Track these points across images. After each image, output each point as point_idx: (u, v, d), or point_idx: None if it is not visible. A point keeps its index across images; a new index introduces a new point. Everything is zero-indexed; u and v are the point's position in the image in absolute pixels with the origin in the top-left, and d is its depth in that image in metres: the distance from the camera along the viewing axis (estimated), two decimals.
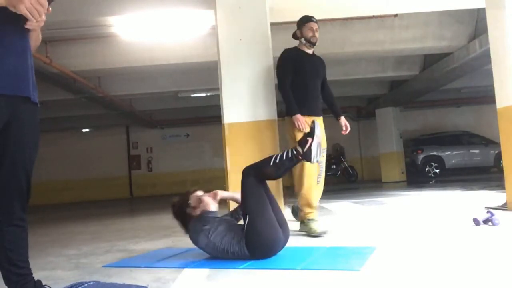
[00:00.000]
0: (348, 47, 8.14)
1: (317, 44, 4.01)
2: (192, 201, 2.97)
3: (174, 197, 3.10)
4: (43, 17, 1.79)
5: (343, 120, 4.08)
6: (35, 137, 1.91)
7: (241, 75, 4.67)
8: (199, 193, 3.02)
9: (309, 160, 2.82)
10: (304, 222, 3.73)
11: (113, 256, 3.36)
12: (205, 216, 2.86)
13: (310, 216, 3.69)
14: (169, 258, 3.07)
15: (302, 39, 3.94)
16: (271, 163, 2.81)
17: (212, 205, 2.94)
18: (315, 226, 3.62)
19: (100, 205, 11.61)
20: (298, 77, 3.81)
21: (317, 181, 3.81)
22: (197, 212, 2.92)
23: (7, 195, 1.83)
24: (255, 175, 2.80)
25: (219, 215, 2.95)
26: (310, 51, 3.97)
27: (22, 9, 1.65)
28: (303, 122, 3.66)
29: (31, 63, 1.88)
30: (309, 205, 3.72)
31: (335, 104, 4.19)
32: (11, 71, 1.76)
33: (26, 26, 1.73)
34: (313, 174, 3.73)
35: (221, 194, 3.09)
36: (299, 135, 3.51)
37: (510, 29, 4.42)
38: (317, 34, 3.96)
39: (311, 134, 2.84)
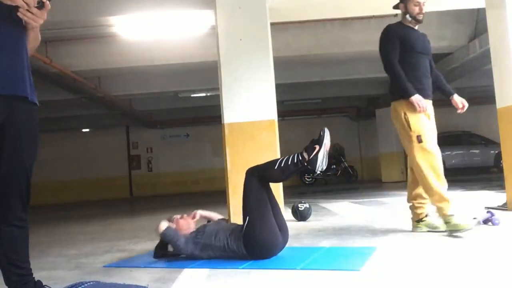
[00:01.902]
0: (348, 47, 8.14)
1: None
2: (173, 226, 3.02)
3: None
4: (44, 15, 1.79)
5: (457, 98, 3.53)
6: (34, 137, 1.90)
7: (241, 75, 4.66)
8: (164, 224, 2.99)
9: (313, 168, 2.73)
10: (448, 222, 3.14)
11: (113, 256, 3.36)
12: (194, 234, 2.90)
13: (451, 212, 3.14)
14: (169, 258, 3.07)
15: (407, 16, 3.49)
16: (276, 166, 2.77)
17: (191, 226, 3.01)
18: (462, 220, 3.08)
19: (100, 205, 11.61)
20: (407, 54, 3.40)
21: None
22: (182, 233, 2.96)
23: (6, 195, 1.83)
24: (259, 177, 2.79)
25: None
26: (415, 27, 3.53)
27: (17, 0, 1.65)
28: (423, 101, 3.23)
29: (28, 63, 1.87)
30: (443, 198, 3.19)
31: (445, 83, 3.65)
32: (6, 71, 1.75)
33: (18, 14, 1.72)
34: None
35: (201, 213, 3.18)
36: (413, 119, 3.23)
37: (510, 29, 4.42)
38: (424, 8, 3.45)
39: (319, 141, 2.75)
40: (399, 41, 3.42)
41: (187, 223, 3.04)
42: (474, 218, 3.45)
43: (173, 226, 3.01)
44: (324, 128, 2.82)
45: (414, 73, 3.36)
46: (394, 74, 3.37)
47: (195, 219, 3.10)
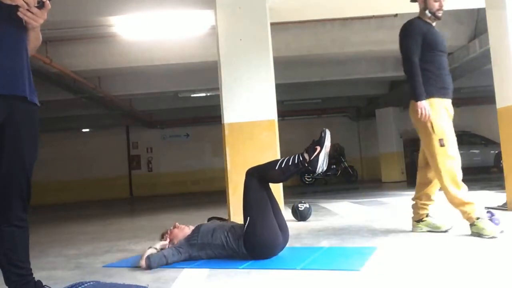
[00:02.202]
0: (348, 47, 8.14)
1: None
2: (167, 239, 3.00)
3: None
4: (44, 15, 1.79)
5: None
6: (34, 137, 1.90)
7: (241, 75, 4.67)
8: (160, 244, 2.98)
9: (314, 169, 2.72)
10: (473, 224, 3.05)
11: (113, 256, 3.36)
12: (189, 236, 2.88)
13: (476, 214, 3.06)
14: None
15: (426, 12, 3.32)
16: (277, 167, 2.77)
17: (185, 230, 2.99)
18: (488, 226, 2.99)
19: (100, 205, 11.61)
20: (431, 53, 3.24)
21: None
22: (178, 241, 2.95)
23: (6, 195, 1.83)
24: (259, 178, 2.79)
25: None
26: (433, 25, 3.37)
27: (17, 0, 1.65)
28: (428, 111, 3.11)
29: (28, 62, 1.87)
30: (464, 202, 3.11)
31: None
32: (6, 71, 1.75)
33: (18, 14, 1.73)
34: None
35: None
36: (437, 122, 3.13)
37: (510, 29, 4.42)
38: (444, 5, 3.30)
39: (320, 142, 2.74)
40: (422, 38, 3.24)
41: (181, 229, 3.02)
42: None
43: (166, 242, 2.97)
44: (325, 129, 2.81)
45: (438, 72, 3.24)
46: (411, 73, 3.22)
47: (187, 227, 3.06)
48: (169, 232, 3.06)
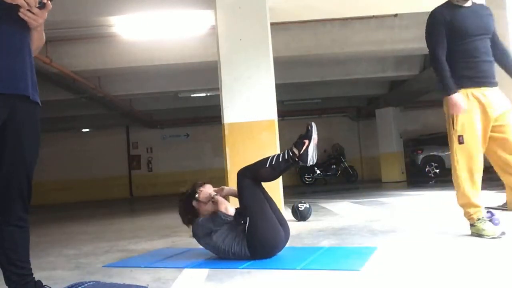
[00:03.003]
0: (348, 47, 8.14)
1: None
2: (201, 196, 2.96)
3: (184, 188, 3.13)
4: (45, 15, 1.79)
5: None
6: (35, 137, 1.90)
7: (241, 75, 4.66)
8: (209, 188, 3.02)
9: (305, 163, 2.73)
10: (474, 225, 3.01)
11: (113, 256, 3.36)
12: (222, 217, 2.84)
13: (478, 215, 2.99)
14: (169, 258, 3.07)
15: None
16: (267, 164, 2.79)
17: (230, 208, 2.92)
18: (489, 227, 2.93)
19: (100, 205, 11.61)
20: (459, 41, 3.01)
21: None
22: (206, 208, 2.93)
23: (7, 195, 1.83)
24: (251, 177, 2.80)
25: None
26: (467, 3, 3.08)
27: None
28: (460, 104, 2.93)
29: (31, 62, 1.87)
30: (472, 204, 3.02)
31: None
32: (8, 70, 1.75)
33: (19, 14, 1.73)
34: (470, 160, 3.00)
35: (227, 190, 3.15)
36: (460, 118, 2.97)
37: (510, 29, 4.42)
38: None
39: (307, 136, 2.77)
40: (446, 27, 3.02)
41: (224, 203, 2.95)
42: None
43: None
44: (311, 123, 2.85)
45: (468, 61, 3.00)
46: (437, 67, 3.05)
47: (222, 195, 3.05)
48: (210, 197, 2.98)
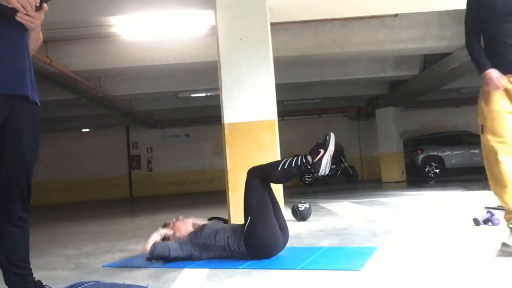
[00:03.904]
0: (348, 47, 8.14)
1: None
2: (170, 232, 3.02)
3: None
4: (41, 16, 1.79)
5: None
6: (35, 137, 1.90)
7: (241, 75, 4.66)
8: (164, 231, 3.04)
9: (317, 172, 2.72)
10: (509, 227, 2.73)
11: (113, 256, 3.36)
12: (189, 236, 2.88)
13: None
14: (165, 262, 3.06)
15: None
16: (279, 167, 2.78)
17: (188, 225, 3.00)
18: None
19: (100, 205, 11.61)
20: (486, 23, 2.75)
21: None
22: (181, 235, 2.97)
23: (6, 195, 1.83)
24: (261, 177, 2.79)
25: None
26: None
27: (14, 3, 1.65)
28: (498, 78, 2.59)
29: (29, 62, 1.87)
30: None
31: None
32: (7, 70, 1.75)
33: (16, 18, 1.73)
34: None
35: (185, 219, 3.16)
36: (482, 105, 2.70)
37: None
38: None
39: (324, 145, 2.74)
40: (476, 8, 2.77)
41: (185, 223, 3.04)
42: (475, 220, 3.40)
43: (170, 232, 3.00)
44: (330, 133, 2.81)
45: (492, 45, 2.72)
46: (468, 51, 2.81)
47: (190, 221, 3.09)
48: (172, 224, 3.06)
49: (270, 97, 4.70)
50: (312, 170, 2.73)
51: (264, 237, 2.70)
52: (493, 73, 2.60)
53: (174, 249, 2.81)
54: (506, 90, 2.63)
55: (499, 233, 3.02)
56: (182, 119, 15.52)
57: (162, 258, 2.84)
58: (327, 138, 2.77)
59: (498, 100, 2.64)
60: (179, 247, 2.82)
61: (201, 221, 3.19)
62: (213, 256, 2.82)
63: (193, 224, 3.05)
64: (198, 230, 2.90)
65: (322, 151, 2.73)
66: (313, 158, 2.73)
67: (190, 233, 2.91)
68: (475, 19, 2.79)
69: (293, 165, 2.76)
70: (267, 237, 2.72)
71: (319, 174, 2.75)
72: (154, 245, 2.83)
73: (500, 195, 2.68)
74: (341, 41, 8.05)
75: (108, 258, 3.30)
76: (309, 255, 2.81)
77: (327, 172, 2.77)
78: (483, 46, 2.77)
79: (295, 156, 2.81)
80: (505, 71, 2.62)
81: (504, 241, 2.54)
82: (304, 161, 2.74)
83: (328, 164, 2.74)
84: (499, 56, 2.66)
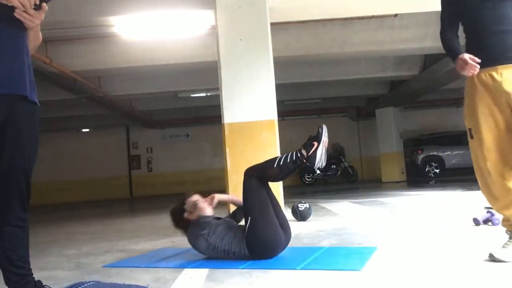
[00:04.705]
0: (348, 47, 8.14)
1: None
2: (187, 206, 2.98)
3: (173, 203, 3.12)
4: (41, 16, 1.79)
5: None
6: (34, 137, 1.90)
7: (241, 75, 4.67)
8: (195, 197, 3.02)
9: (312, 165, 2.71)
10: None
11: (113, 256, 3.36)
12: (201, 221, 2.86)
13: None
14: (169, 258, 3.07)
15: None
16: (275, 165, 2.77)
17: (207, 210, 2.95)
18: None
19: (100, 205, 11.61)
20: (462, 13, 2.48)
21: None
22: (194, 217, 2.94)
23: (6, 195, 1.83)
24: (258, 177, 2.78)
25: (216, 218, 2.94)
26: None
27: (13, 1, 1.65)
28: (468, 60, 2.29)
29: (28, 62, 1.87)
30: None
31: None
32: (6, 70, 1.75)
33: (15, 14, 1.73)
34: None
35: (219, 197, 3.11)
36: (466, 105, 2.44)
37: None
38: None
39: (317, 138, 2.74)
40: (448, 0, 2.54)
41: (204, 206, 2.98)
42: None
43: (203, 204, 3.00)
44: (322, 125, 2.82)
45: (470, 37, 2.47)
46: (441, 41, 2.58)
47: (212, 205, 3.04)
48: (193, 205, 3.00)
49: (270, 97, 4.71)
50: (308, 163, 2.72)
51: (265, 236, 2.70)
52: (466, 55, 2.32)
53: (209, 231, 2.80)
54: (487, 88, 2.34)
55: (498, 235, 3.02)
56: (182, 119, 15.52)
57: (203, 225, 2.83)
58: (320, 131, 2.77)
59: (482, 99, 2.37)
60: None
61: (229, 198, 3.25)
62: (215, 256, 2.83)
63: (213, 208, 2.99)
64: (213, 228, 2.83)
65: (315, 143, 2.72)
66: (307, 152, 2.72)
67: (206, 229, 2.84)
68: (445, 12, 2.56)
69: (288, 160, 2.75)
70: (269, 236, 2.71)
71: (315, 167, 2.73)
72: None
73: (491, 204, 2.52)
74: (341, 41, 8.05)
75: (108, 258, 3.30)
76: (309, 255, 2.81)
77: (323, 165, 2.76)
78: (466, 40, 2.52)
79: (290, 152, 2.81)
80: (487, 63, 2.32)
81: (492, 253, 2.25)
82: (299, 155, 2.74)
83: (323, 156, 2.73)
84: (480, 48, 2.37)
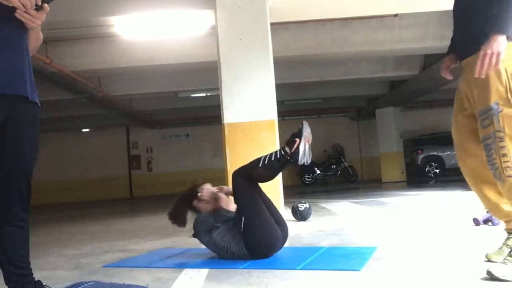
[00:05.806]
0: (348, 47, 8.14)
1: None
2: (204, 194, 2.97)
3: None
4: (43, 16, 1.79)
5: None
6: (35, 137, 1.90)
7: (241, 75, 4.66)
8: (209, 186, 3.04)
9: (296, 161, 2.71)
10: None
11: (113, 256, 3.36)
12: (223, 214, 2.86)
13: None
14: (169, 258, 3.07)
15: None
16: (260, 164, 2.79)
17: (231, 205, 2.93)
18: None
19: (100, 205, 11.61)
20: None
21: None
22: (206, 207, 2.94)
23: (6, 195, 1.83)
24: (245, 177, 2.81)
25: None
26: None
27: (14, 1, 1.65)
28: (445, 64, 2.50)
29: (29, 62, 1.87)
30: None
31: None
32: (6, 71, 1.75)
33: (16, 15, 1.72)
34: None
35: (226, 189, 3.12)
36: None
37: None
38: None
39: (299, 134, 2.76)
40: None
41: (227, 201, 2.97)
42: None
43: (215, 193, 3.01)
44: (303, 121, 2.84)
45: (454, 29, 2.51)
46: None
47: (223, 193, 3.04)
48: (212, 194, 3.00)
49: (270, 97, 4.71)
50: (292, 160, 2.73)
51: (261, 233, 2.71)
52: (445, 62, 2.46)
53: (219, 226, 2.82)
54: (465, 80, 2.37)
55: (499, 234, 3.02)
56: (182, 119, 15.52)
57: (222, 218, 2.85)
58: (301, 127, 2.79)
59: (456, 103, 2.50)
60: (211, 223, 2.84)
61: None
62: (215, 251, 2.84)
63: (228, 205, 2.96)
64: (219, 224, 2.84)
65: (297, 140, 2.74)
66: (290, 149, 2.74)
67: (218, 224, 2.84)
68: None
69: (273, 159, 2.77)
70: (265, 232, 2.72)
71: (299, 163, 2.73)
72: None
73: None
74: (341, 41, 8.05)
75: (108, 258, 3.30)
76: (309, 255, 2.81)
77: (309, 161, 2.76)
78: None
79: (274, 151, 2.84)
80: (460, 56, 2.42)
81: (491, 271, 1.98)
82: (282, 153, 2.76)
83: (307, 152, 2.74)
84: (456, 39, 2.48)
